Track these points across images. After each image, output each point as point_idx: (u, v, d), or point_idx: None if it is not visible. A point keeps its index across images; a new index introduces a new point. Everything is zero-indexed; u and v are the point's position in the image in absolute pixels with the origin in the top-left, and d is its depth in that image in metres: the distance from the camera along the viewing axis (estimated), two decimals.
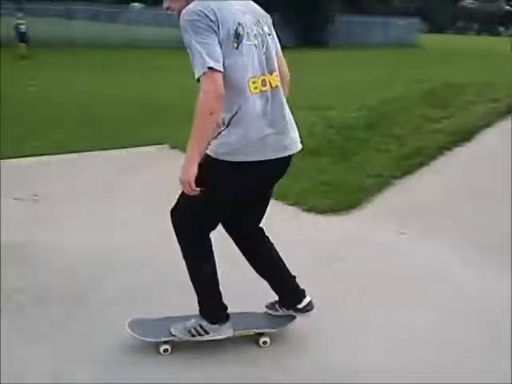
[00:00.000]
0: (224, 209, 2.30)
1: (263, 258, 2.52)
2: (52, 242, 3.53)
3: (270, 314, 2.57)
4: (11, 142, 5.95)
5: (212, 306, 2.39)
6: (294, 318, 2.54)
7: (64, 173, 5.09)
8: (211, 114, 1.99)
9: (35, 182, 4.76)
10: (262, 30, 2.18)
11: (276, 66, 2.21)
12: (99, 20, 25.89)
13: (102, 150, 5.85)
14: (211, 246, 2.33)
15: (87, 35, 23.69)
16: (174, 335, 2.38)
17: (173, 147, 5.77)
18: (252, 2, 2.27)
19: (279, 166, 2.25)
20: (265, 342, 2.48)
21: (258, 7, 2.26)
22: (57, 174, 5.10)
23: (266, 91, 2.14)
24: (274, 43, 2.24)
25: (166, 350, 2.40)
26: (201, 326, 2.38)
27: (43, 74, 13.19)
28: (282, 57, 2.34)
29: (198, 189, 2.07)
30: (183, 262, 2.34)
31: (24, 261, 3.27)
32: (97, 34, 24.11)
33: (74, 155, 5.63)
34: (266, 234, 2.50)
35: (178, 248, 2.33)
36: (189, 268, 2.34)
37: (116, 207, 4.20)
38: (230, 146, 2.10)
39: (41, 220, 3.90)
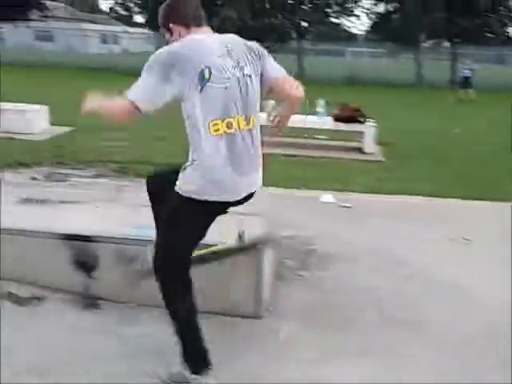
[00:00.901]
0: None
1: None
2: None
3: None
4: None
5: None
6: None
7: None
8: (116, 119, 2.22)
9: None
10: (242, 71, 2.17)
11: (253, 109, 2.22)
12: None
13: None
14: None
15: None
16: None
17: None
18: (237, 39, 2.27)
19: (233, 204, 2.26)
20: None
21: (247, 43, 2.27)
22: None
23: (230, 133, 2.14)
24: (255, 84, 2.23)
25: None
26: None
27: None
28: (287, 79, 2.31)
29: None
30: None
31: None
32: None
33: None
34: None
35: None
36: None
37: None
38: (192, 185, 2.16)
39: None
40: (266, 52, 2.31)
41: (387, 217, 4.80)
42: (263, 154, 2.33)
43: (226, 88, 2.11)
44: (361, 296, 3.23)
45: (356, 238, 4.16)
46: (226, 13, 20.75)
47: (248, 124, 2.19)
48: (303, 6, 26.66)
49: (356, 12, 29.66)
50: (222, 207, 2.25)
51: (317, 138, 8.88)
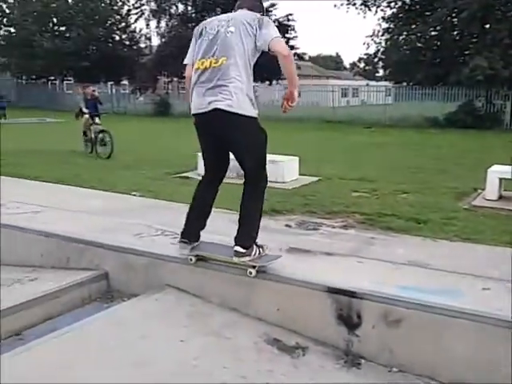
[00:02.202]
0: None
1: None
2: None
3: None
4: None
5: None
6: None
7: None
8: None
9: None
10: (225, 28, 3.14)
11: (221, 52, 3.11)
12: None
13: None
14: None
15: None
16: None
17: None
18: (239, 14, 3.24)
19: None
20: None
21: (244, 16, 3.18)
22: None
23: (204, 69, 3.15)
24: (232, 36, 3.11)
25: None
26: None
27: None
28: (273, 42, 3.09)
29: None
30: None
31: None
32: None
33: None
34: None
35: None
36: None
37: None
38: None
39: None
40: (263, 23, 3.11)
41: None
42: None
43: (208, 39, 3.20)
44: None
45: None
46: (477, 62, 19.79)
47: (213, 63, 3.14)
48: None
49: None
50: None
51: None
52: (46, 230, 3.99)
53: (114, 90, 34.42)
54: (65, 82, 37.17)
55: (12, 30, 35.61)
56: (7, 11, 35.33)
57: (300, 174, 9.06)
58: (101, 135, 11.04)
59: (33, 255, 3.99)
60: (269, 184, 8.96)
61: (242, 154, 3.24)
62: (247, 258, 3.18)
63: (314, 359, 2.79)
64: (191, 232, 3.44)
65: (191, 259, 3.38)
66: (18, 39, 34.17)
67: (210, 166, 3.43)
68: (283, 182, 8.43)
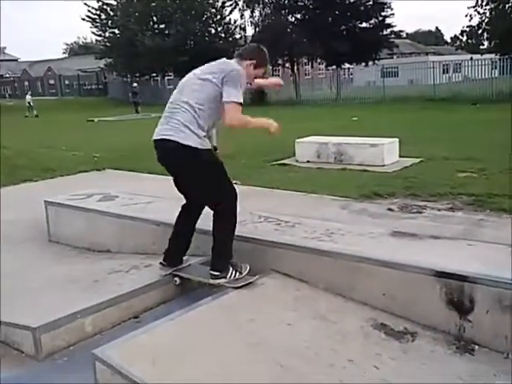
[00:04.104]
0: None
1: None
2: None
3: None
4: None
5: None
6: None
7: None
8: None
9: None
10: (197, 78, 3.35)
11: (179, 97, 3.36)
12: None
13: None
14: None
15: None
16: None
17: None
18: (216, 63, 3.41)
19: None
20: None
21: (218, 66, 3.36)
22: None
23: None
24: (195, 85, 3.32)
25: None
26: None
27: None
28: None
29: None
30: None
31: None
32: None
33: None
34: None
35: None
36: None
37: None
38: None
39: None
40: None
41: None
42: None
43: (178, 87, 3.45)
44: None
45: None
46: None
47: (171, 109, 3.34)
48: None
49: None
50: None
51: None
52: (156, 219, 4.24)
53: None
54: (166, 78, 38.78)
55: (116, 31, 37.66)
56: (111, 14, 37.38)
57: (400, 156, 8.81)
58: None
59: (146, 243, 4.25)
60: (369, 167, 8.91)
61: None
62: (223, 280, 3.35)
63: (423, 344, 2.74)
64: (171, 256, 3.64)
65: (176, 281, 3.61)
66: (122, 40, 36.11)
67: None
68: (383, 165, 8.25)
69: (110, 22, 37.71)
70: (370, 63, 35.64)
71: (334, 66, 34.47)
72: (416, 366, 2.56)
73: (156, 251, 3.96)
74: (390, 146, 8.72)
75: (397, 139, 8.94)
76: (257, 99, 28.40)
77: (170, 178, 3.56)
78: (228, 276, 3.36)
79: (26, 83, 62.37)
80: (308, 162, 8.76)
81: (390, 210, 5.61)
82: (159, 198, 4.98)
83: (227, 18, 38.50)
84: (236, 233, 3.59)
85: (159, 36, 35.53)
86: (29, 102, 31.48)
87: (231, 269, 3.38)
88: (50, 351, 3.02)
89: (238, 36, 38.77)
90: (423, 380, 2.46)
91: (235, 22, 38.91)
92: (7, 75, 67.35)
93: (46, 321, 3.04)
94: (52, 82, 61.76)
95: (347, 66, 37.11)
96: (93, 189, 5.53)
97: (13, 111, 33.76)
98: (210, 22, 38.05)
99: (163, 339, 2.77)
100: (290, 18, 36.33)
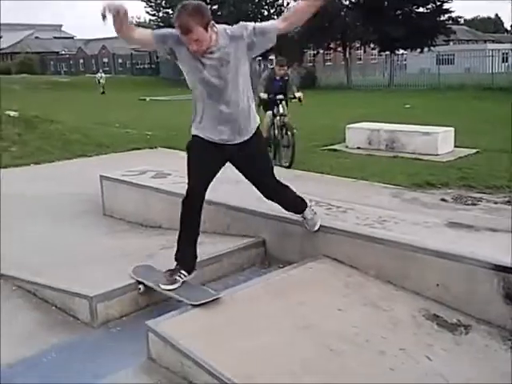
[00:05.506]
0: None
1: None
2: None
3: None
4: None
5: None
6: None
7: None
8: None
9: None
10: None
11: None
12: None
13: None
14: None
15: None
16: None
17: None
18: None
19: None
20: None
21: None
22: None
23: None
24: None
25: None
26: None
27: None
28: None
29: None
30: None
31: None
32: None
33: None
34: None
35: None
36: None
37: None
38: None
39: None
40: None
41: None
42: None
43: None
44: None
45: None
46: None
47: None
48: None
49: None
50: None
51: None
52: (209, 198, 4.28)
53: (262, 65, 35.24)
54: None
55: (170, 11, 37.87)
56: None
57: (455, 146, 8.58)
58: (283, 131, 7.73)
59: None
60: (422, 156, 8.71)
61: None
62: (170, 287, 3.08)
63: (477, 338, 2.68)
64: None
65: (139, 288, 3.25)
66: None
67: None
68: (436, 155, 8.05)
69: (163, 1, 38.02)
70: (425, 49, 34.60)
71: (387, 52, 33.70)
72: (469, 360, 2.52)
73: (207, 229, 4.00)
74: (444, 135, 8.49)
75: (452, 128, 8.70)
76: (307, 83, 28.15)
77: None
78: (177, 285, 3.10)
79: (81, 61, 63.83)
80: (358, 148, 8.65)
81: (443, 200, 5.48)
82: None
83: (280, 0, 38.18)
84: (286, 215, 3.59)
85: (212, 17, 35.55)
86: (98, 80, 32.44)
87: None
88: (105, 320, 3.12)
89: None
90: (476, 374, 2.41)
91: (288, 4, 38.46)
92: (63, 52, 69.07)
93: (102, 291, 3.14)
94: (106, 60, 62.91)
95: (401, 51, 36.20)
96: (145, 166, 5.63)
97: (68, 87, 34.67)
98: (263, 3, 37.82)
99: (213, 316, 2.82)
100: (344, 1, 35.62)
